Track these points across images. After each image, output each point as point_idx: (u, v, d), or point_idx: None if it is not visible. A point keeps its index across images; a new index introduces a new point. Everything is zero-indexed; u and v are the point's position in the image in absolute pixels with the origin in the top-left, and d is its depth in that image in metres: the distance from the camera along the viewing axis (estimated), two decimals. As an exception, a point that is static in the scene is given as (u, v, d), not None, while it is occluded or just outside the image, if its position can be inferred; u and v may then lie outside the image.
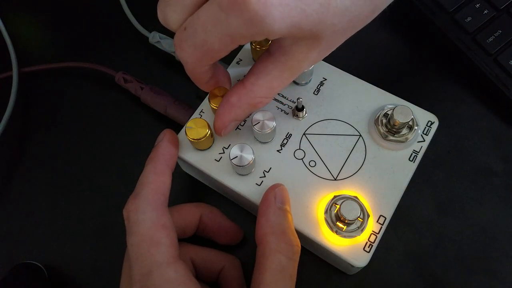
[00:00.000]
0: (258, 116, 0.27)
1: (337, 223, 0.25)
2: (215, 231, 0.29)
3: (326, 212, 0.25)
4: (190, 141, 0.27)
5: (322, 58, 0.24)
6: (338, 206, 0.25)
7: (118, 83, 0.35)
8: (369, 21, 0.23)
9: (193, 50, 0.22)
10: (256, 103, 0.25)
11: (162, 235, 0.23)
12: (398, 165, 0.27)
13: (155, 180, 0.25)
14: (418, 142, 0.28)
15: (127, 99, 0.36)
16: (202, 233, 0.29)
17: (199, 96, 0.35)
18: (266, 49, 0.24)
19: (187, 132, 0.27)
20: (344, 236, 0.25)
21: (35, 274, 0.30)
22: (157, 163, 0.26)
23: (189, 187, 0.33)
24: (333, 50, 0.24)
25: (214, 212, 0.29)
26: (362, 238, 0.25)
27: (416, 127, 0.27)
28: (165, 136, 0.27)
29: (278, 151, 0.28)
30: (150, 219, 0.23)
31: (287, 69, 0.23)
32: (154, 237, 0.23)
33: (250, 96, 0.24)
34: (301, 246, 0.24)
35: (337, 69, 0.30)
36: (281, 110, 0.29)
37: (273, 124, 0.27)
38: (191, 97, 0.34)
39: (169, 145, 0.27)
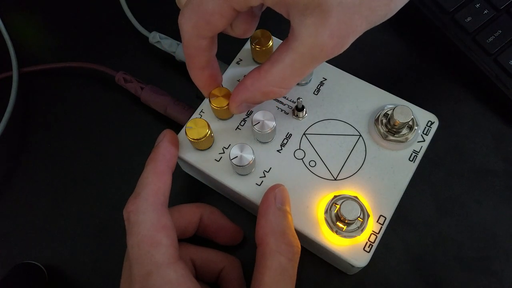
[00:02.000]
0: (258, 116, 0.27)
1: (337, 223, 0.25)
2: (215, 231, 0.29)
3: (326, 212, 0.25)
4: (190, 141, 0.27)
5: (336, 49, 0.21)
6: (338, 206, 0.25)
7: (118, 83, 0.35)
8: (388, 6, 0.20)
9: (190, 13, 0.22)
10: (267, 92, 0.24)
11: (162, 236, 0.23)
12: (398, 165, 0.27)
13: (155, 181, 0.25)
14: (418, 142, 0.28)
15: (127, 99, 0.36)
16: (202, 234, 0.29)
17: (199, 96, 0.35)
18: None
19: (187, 132, 0.27)
20: (344, 236, 0.25)
21: (35, 274, 0.30)
22: (157, 164, 0.25)
23: (189, 187, 0.33)
24: (348, 39, 0.21)
25: (215, 212, 0.29)
26: (362, 238, 0.25)
27: (416, 127, 0.27)
28: (165, 136, 0.27)
29: (278, 151, 0.28)
30: (150, 220, 0.23)
31: (299, 57, 0.22)
32: (154, 238, 0.23)
33: (262, 83, 0.24)
34: (301, 246, 0.24)
35: (337, 69, 0.30)
36: (281, 110, 0.29)
37: (273, 124, 0.27)
38: (191, 97, 0.34)
39: (169, 145, 0.27)
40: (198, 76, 0.26)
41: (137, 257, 0.22)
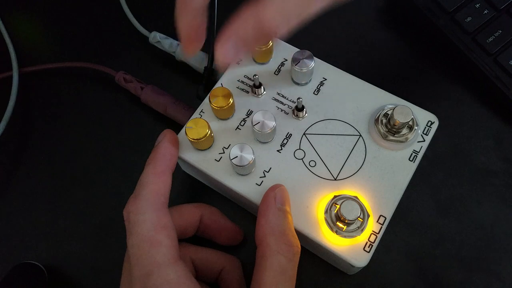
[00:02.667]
0: (258, 116, 0.27)
1: (337, 223, 0.25)
2: (216, 231, 0.29)
3: (326, 212, 0.25)
4: (190, 141, 0.27)
5: None
6: (338, 206, 0.25)
7: (118, 83, 0.35)
8: None
9: None
10: (263, 24, 0.21)
11: (162, 236, 0.23)
12: (398, 165, 0.27)
13: (155, 181, 0.25)
14: (418, 142, 0.28)
15: (127, 99, 0.36)
16: (202, 234, 0.29)
17: (199, 96, 0.35)
18: None
19: (187, 132, 0.27)
20: (344, 236, 0.25)
21: (35, 274, 0.30)
22: (157, 164, 0.25)
23: (189, 187, 0.33)
24: None
25: (215, 212, 0.29)
26: (362, 238, 0.25)
27: (416, 127, 0.27)
28: (165, 137, 0.27)
29: (278, 151, 0.28)
30: (150, 220, 0.23)
31: None
32: (154, 238, 0.23)
33: (260, 11, 0.21)
34: (301, 246, 0.24)
35: (337, 69, 0.30)
36: (281, 110, 0.29)
37: (273, 124, 0.27)
38: (191, 97, 0.34)
39: (169, 145, 0.27)
40: (188, 23, 0.23)
41: (137, 257, 0.22)
